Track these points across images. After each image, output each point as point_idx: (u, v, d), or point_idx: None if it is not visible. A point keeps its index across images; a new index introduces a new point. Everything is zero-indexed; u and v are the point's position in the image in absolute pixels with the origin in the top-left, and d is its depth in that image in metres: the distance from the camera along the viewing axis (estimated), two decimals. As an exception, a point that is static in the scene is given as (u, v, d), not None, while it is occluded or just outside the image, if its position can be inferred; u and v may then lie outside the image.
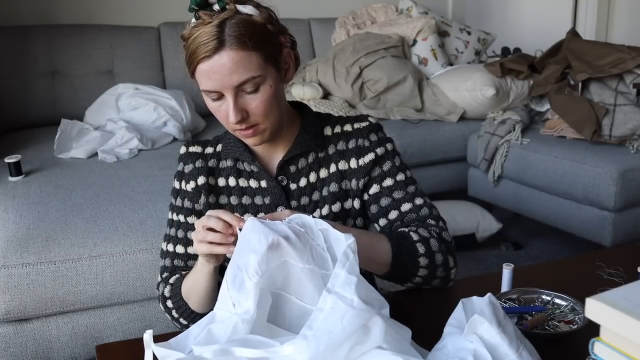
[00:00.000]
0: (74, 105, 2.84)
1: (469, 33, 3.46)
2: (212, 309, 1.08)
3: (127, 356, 0.96)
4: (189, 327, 1.11)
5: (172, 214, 1.16)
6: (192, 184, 1.13)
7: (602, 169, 2.29)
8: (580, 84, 2.57)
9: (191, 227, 1.13)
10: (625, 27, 3.68)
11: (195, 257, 1.14)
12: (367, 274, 1.14)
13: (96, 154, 2.31)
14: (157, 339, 0.82)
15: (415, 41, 3.28)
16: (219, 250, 0.93)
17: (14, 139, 2.59)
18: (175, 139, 2.57)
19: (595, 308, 0.67)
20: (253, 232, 0.84)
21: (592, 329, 0.73)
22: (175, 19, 3.16)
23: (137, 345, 0.96)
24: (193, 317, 1.10)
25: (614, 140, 2.44)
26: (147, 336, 0.81)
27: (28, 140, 2.51)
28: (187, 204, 1.14)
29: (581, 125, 2.46)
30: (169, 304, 1.12)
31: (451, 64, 3.32)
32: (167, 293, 1.12)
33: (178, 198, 1.15)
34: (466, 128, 2.94)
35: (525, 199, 2.65)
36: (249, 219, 0.86)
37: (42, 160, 2.23)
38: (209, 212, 0.94)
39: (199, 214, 1.13)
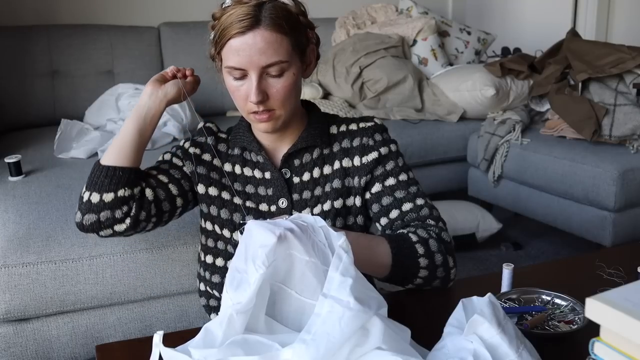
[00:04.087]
0: (74, 105, 2.84)
1: (469, 33, 3.46)
2: (132, 163, 1.10)
3: (127, 356, 0.96)
4: (91, 201, 1.07)
5: (162, 155, 1.21)
6: (195, 150, 1.17)
7: (602, 169, 2.29)
8: (580, 84, 2.57)
9: (172, 166, 1.17)
10: (625, 27, 3.68)
11: (160, 183, 1.14)
12: (366, 276, 1.14)
13: (96, 154, 2.31)
14: (163, 340, 0.83)
15: (415, 41, 3.28)
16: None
17: (14, 139, 2.59)
18: (175, 139, 2.57)
19: (595, 308, 0.67)
20: (258, 231, 0.83)
21: (592, 329, 0.73)
22: (175, 19, 3.16)
23: (137, 345, 0.96)
24: (100, 183, 1.07)
25: (614, 140, 2.44)
26: (157, 337, 0.82)
27: (28, 140, 2.51)
28: (179, 153, 1.19)
29: (581, 125, 2.47)
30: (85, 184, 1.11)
31: (451, 64, 3.32)
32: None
33: (174, 148, 1.21)
34: (466, 128, 2.94)
35: (525, 199, 2.65)
36: (249, 222, 0.87)
37: (42, 160, 2.23)
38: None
39: (183, 168, 1.17)
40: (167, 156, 1.20)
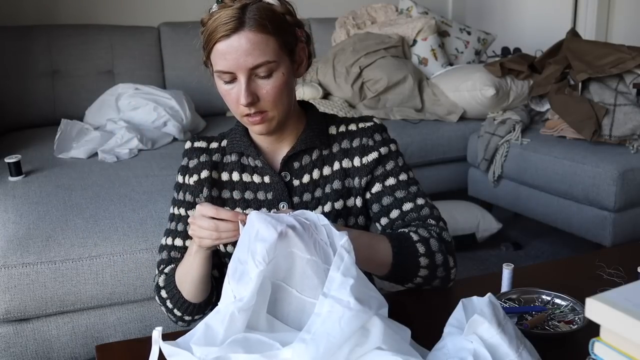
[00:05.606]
0: (74, 105, 2.84)
1: (469, 33, 3.46)
2: (205, 298, 1.10)
3: (127, 356, 0.96)
4: (184, 318, 1.12)
5: (173, 207, 1.17)
6: (195, 178, 1.14)
7: (602, 169, 2.29)
8: (580, 84, 2.57)
9: None
10: (625, 27, 3.68)
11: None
12: (366, 275, 1.14)
13: (96, 154, 2.31)
14: (162, 337, 0.83)
15: (415, 41, 3.28)
16: (208, 243, 0.97)
17: (14, 139, 2.59)
18: (175, 139, 2.57)
19: (595, 308, 0.67)
20: (260, 223, 0.83)
21: (592, 329, 0.73)
22: (175, 19, 3.16)
23: (137, 345, 0.96)
24: (186, 306, 1.10)
25: (614, 140, 2.44)
26: (157, 333, 0.82)
27: (28, 140, 2.51)
28: (188, 197, 1.15)
29: (581, 125, 2.47)
30: (163, 293, 1.12)
31: (451, 64, 3.32)
32: (161, 282, 1.12)
33: (180, 192, 1.16)
34: (466, 128, 2.94)
35: (525, 199, 2.65)
36: (253, 212, 0.86)
37: (42, 160, 2.23)
38: (197, 211, 0.97)
39: None
40: (182, 211, 1.16)
